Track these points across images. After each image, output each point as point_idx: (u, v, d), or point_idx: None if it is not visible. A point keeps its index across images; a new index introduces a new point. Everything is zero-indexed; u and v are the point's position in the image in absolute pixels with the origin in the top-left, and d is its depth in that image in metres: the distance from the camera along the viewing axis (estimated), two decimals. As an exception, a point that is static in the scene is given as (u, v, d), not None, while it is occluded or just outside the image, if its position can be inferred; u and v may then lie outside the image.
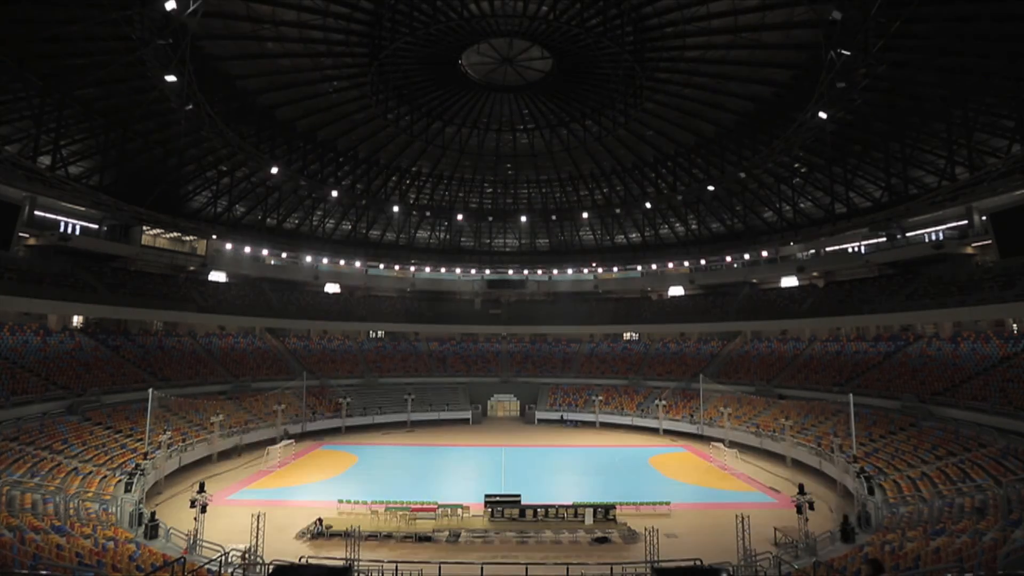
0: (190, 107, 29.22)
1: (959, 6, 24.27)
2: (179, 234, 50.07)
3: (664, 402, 45.96)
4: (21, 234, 36.46)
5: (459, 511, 24.78)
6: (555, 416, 50.72)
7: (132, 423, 30.74)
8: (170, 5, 21.03)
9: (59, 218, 39.63)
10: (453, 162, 52.22)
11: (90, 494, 21.74)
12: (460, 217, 58.38)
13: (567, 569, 15.77)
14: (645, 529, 20.54)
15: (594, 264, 63.35)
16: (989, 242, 35.82)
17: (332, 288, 60.64)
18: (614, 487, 29.74)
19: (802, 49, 29.85)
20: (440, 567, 16.24)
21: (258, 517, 19.04)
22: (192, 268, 50.92)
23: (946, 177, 34.01)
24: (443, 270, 65.01)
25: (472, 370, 57.42)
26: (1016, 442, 23.12)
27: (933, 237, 40.40)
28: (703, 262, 59.06)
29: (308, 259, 57.87)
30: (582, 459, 37.59)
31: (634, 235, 61.63)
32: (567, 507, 24.64)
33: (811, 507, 21.24)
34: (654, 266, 62.58)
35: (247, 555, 17.74)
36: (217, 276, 51.92)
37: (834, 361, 42.84)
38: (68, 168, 35.33)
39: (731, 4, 27.93)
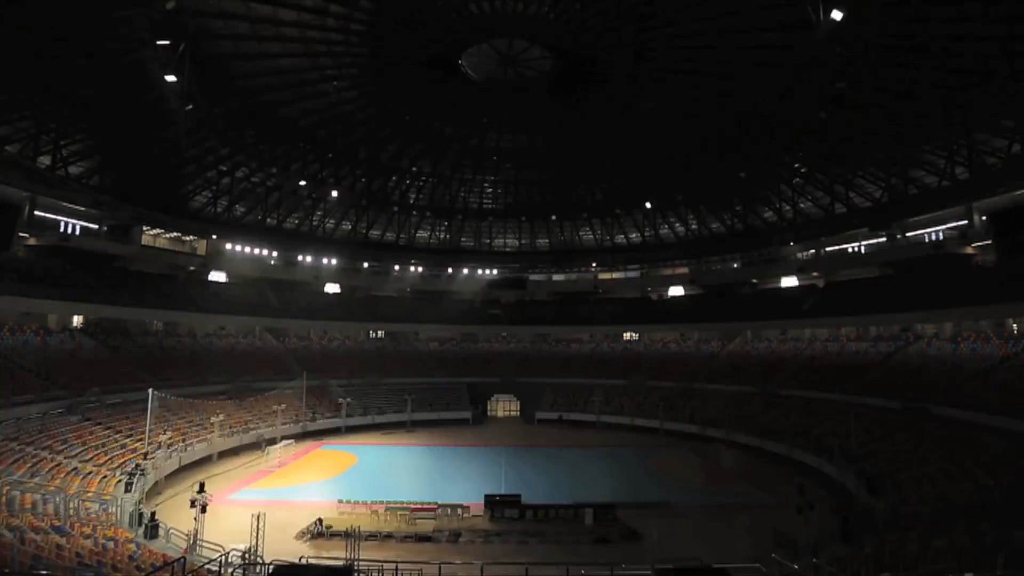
0: (190, 107, 29.24)
1: (959, 6, 24.27)
2: (179, 234, 50.12)
3: (664, 402, 45.95)
4: (21, 234, 36.48)
5: (459, 511, 24.76)
6: (555, 416, 50.70)
7: (132, 423, 30.71)
8: (170, 5, 21.03)
9: (59, 218, 39.64)
10: (453, 162, 52.24)
11: (90, 494, 21.72)
12: (460, 217, 58.40)
13: (567, 569, 15.74)
14: (645, 529, 20.55)
15: (594, 264, 63.33)
16: (989, 242, 35.80)
17: (332, 288, 60.63)
18: (614, 487, 29.73)
19: (802, 49, 29.80)
20: (440, 567, 16.22)
21: (258, 517, 19.02)
22: (192, 268, 50.90)
23: (946, 177, 34.04)
24: (447, 270, 65.03)
25: (472, 370, 57.37)
26: (1016, 442, 23.09)
27: (933, 237, 40.41)
28: (703, 262, 59.08)
29: (308, 259, 57.84)
30: (582, 459, 37.58)
31: (634, 235, 61.63)
32: (567, 507, 24.63)
33: (811, 507, 21.20)
34: (654, 266, 62.58)
35: (247, 555, 17.71)
36: (217, 276, 51.92)
37: (834, 361, 42.83)
38: (68, 168, 35.34)
39: (731, 3, 27.91)
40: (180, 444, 31.16)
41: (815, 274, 50.28)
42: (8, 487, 19.08)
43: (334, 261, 59.33)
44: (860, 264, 46.39)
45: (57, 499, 19.60)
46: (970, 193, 34.07)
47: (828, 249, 49.86)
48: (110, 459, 25.97)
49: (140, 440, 28.89)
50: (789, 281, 51.91)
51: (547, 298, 66.84)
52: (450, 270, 64.89)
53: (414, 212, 58.96)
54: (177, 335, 47.10)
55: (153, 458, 27.38)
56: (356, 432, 44.56)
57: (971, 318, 36.00)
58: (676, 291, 61.23)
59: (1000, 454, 22.64)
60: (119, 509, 21.29)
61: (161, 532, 20.70)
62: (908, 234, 42.50)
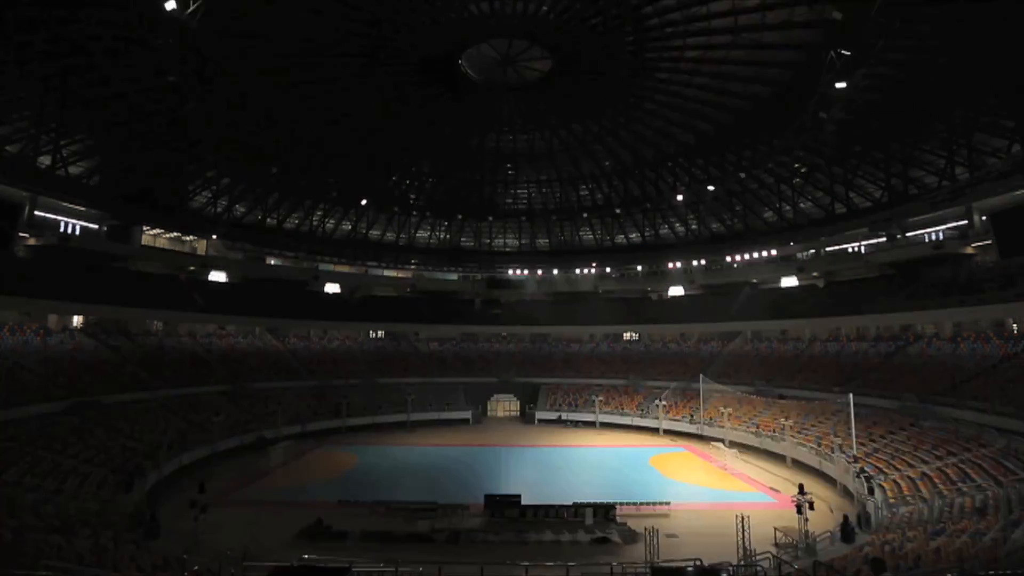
0: (190, 107, 29.25)
1: (959, 6, 24.28)
2: (179, 234, 50.13)
3: (664, 402, 45.94)
4: (21, 234, 36.46)
5: (459, 511, 24.76)
6: (555, 416, 50.71)
7: (132, 423, 30.71)
8: (170, 5, 21.04)
9: (59, 218, 39.64)
10: (453, 162, 52.23)
11: (90, 494, 21.71)
12: (460, 217, 58.39)
13: (567, 569, 15.74)
14: (645, 529, 20.55)
15: (594, 264, 63.39)
16: (989, 242, 35.79)
17: (332, 288, 60.64)
18: (614, 487, 29.71)
19: (802, 49, 29.84)
20: (440, 567, 16.22)
21: (258, 517, 19.02)
22: (192, 268, 50.89)
23: (946, 177, 34.03)
24: (449, 271, 64.99)
25: (472, 370, 57.39)
26: (1016, 442, 23.08)
27: (933, 237, 40.41)
28: (703, 262, 59.09)
29: (308, 259, 57.84)
30: (582, 459, 37.57)
31: (634, 235, 61.64)
32: (567, 507, 24.62)
33: (811, 507, 21.23)
34: (654, 266, 62.58)
35: (247, 555, 17.72)
36: (217, 276, 51.92)
37: (834, 361, 42.83)
38: (68, 168, 35.36)
39: (731, 4, 27.92)
40: (180, 444, 31.13)
41: (815, 274, 50.28)
42: (8, 487, 19.07)
43: (334, 261, 59.28)
44: (860, 264, 46.39)
45: (57, 499, 19.59)
46: (970, 193, 34.06)
47: (828, 249, 49.87)
48: (110, 459, 25.95)
49: (140, 440, 28.87)
50: (789, 281, 51.90)
51: (547, 298, 66.85)
52: (450, 270, 64.87)
53: (414, 212, 58.97)
54: (177, 335, 47.10)
55: (153, 458, 27.35)
56: (356, 432, 44.55)
57: (971, 318, 35.97)
58: (676, 291, 61.22)
59: (1000, 454, 22.65)
60: (119, 509, 21.28)
61: (161, 532, 20.69)
62: (908, 234, 42.51)
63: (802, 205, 47.27)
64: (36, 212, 37.46)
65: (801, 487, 22.04)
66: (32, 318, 36.38)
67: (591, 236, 63.69)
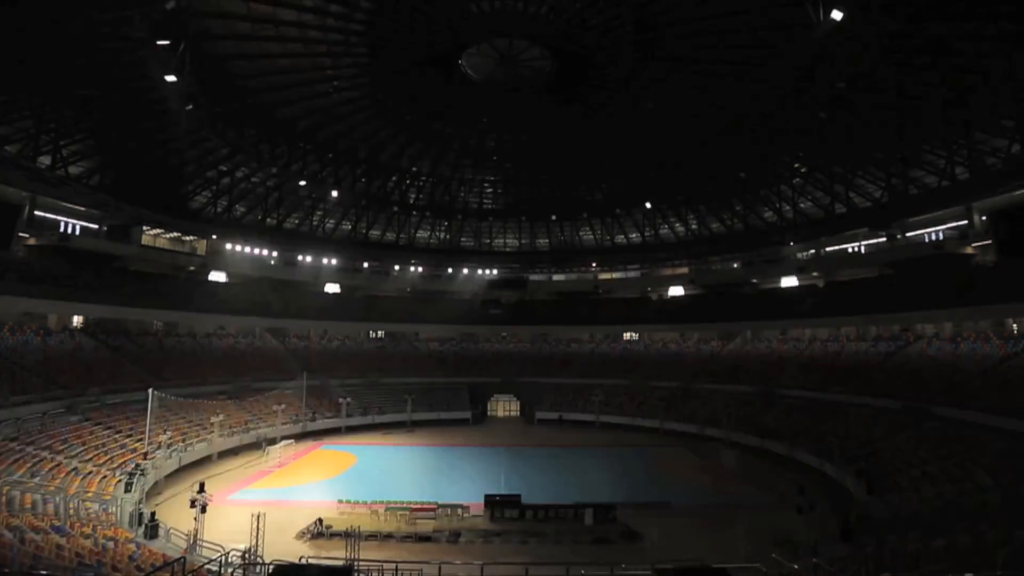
0: (190, 107, 29.23)
1: (959, 6, 24.26)
2: (179, 234, 50.11)
3: (664, 402, 45.92)
4: (21, 234, 36.44)
5: (459, 511, 24.77)
6: (555, 416, 50.69)
7: (132, 423, 30.71)
8: (170, 5, 21.03)
9: (59, 218, 39.61)
10: (453, 162, 52.23)
11: (90, 494, 21.72)
12: (460, 217, 58.38)
13: (567, 569, 15.73)
14: (645, 529, 20.55)
15: (594, 264, 63.30)
16: (989, 242, 35.79)
17: (332, 288, 60.62)
18: (614, 487, 29.73)
19: (802, 49, 29.78)
20: (440, 567, 16.23)
21: (258, 517, 19.02)
22: (192, 268, 50.87)
23: (946, 177, 34.01)
24: (447, 270, 65.02)
25: (472, 370, 57.33)
26: (1016, 442, 23.09)
27: (933, 237, 40.38)
28: (703, 262, 59.05)
29: (308, 259, 57.85)
30: (582, 459, 37.58)
31: (634, 235, 61.62)
32: (567, 507, 24.62)
33: (811, 507, 21.21)
34: (654, 266, 62.58)
35: (247, 555, 17.72)
36: (217, 276, 51.89)
37: (834, 361, 42.83)
38: (68, 168, 35.33)
39: (732, 4, 27.89)
40: (180, 444, 31.16)
41: (815, 274, 50.24)
42: (8, 487, 19.09)
43: (334, 261, 59.33)
44: (860, 264, 46.33)
45: (57, 499, 19.61)
46: (970, 193, 34.05)
47: (828, 249, 49.79)
48: (110, 459, 25.97)
49: (140, 440, 28.89)
50: (789, 281, 51.88)
51: (547, 298, 66.82)
52: (450, 270, 64.89)
53: (414, 212, 58.95)
54: (177, 335, 47.08)
55: (153, 458, 27.37)
56: (356, 432, 44.56)
57: (971, 318, 35.98)
58: (676, 291, 61.18)
59: (1000, 454, 22.64)
60: (119, 509, 21.31)
61: (161, 532, 20.71)
62: (908, 234, 42.44)
63: (802, 205, 47.26)
64: (36, 212, 37.46)
65: (801, 487, 22.03)
66: (32, 318, 36.37)
67: (591, 236, 63.68)
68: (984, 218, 35.87)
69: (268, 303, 53.68)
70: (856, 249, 47.27)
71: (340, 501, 25.83)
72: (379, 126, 43.52)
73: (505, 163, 52.17)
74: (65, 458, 24.21)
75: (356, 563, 16.48)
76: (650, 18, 30.35)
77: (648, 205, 54.64)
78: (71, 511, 19.17)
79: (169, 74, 25.68)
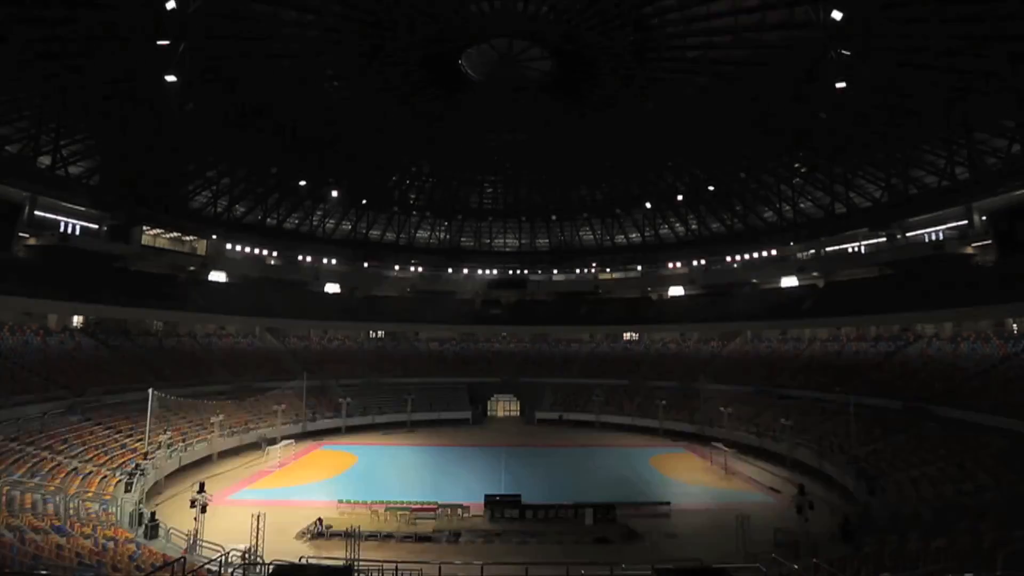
0: (190, 107, 29.22)
1: (959, 6, 24.25)
2: (179, 234, 50.10)
3: (664, 402, 45.92)
4: (21, 234, 36.43)
5: (459, 511, 24.78)
6: (555, 416, 50.68)
7: (132, 423, 30.70)
8: (170, 5, 21.03)
9: (59, 218, 39.61)
10: (453, 162, 52.22)
11: (90, 494, 21.73)
12: (460, 217, 58.39)
13: (567, 569, 15.74)
14: (645, 529, 20.55)
15: (594, 264, 63.30)
16: (989, 242, 35.79)
17: (332, 288, 60.62)
18: (614, 487, 29.71)
19: (802, 49, 29.79)
20: (440, 567, 16.22)
21: (258, 517, 19.04)
22: (192, 268, 50.88)
23: (946, 177, 34.01)
24: (447, 270, 65.04)
25: (472, 370, 57.33)
26: (1016, 442, 23.09)
27: (933, 237, 40.38)
28: (703, 262, 59.08)
29: (308, 259, 57.85)
30: (582, 459, 37.58)
31: (634, 235, 61.65)
32: (567, 507, 24.63)
33: (811, 507, 21.19)
34: (654, 266, 62.59)
35: (247, 555, 17.74)
36: (217, 276, 51.91)
37: (834, 361, 42.82)
38: (68, 168, 35.34)
39: (732, 4, 27.89)
40: (180, 444, 31.16)
41: (815, 274, 50.26)
42: (8, 487, 19.09)
43: (334, 261, 59.34)
44: (860, 264, 46.36)
45: (57, 499, 19.61)
46: (970, 193, 34.04)
47: (828, 249, 49.82)
48: (110, 459, 25.98)
49: (140, 440, 28.88)
50: (789, 281, 51.88)
51: (547, 298, 66.82)
52: (450, 270, 64.93)
53: (414, 212, 58.98)
54: (177, 335, 47.08)
55: (153, 458, 27.37)
56: (356, 432, 44.55)
57: (971, 318, 35.94)
58: (676, 291, 61.21)
59: (1000, 454, 22.64)
60: (119, 509, 21.32)
61: (161, 532, 20.72)
62: (908, 234, 42.46)
63: (802, 205, 47.26)
64: (36, 212, 37.44)
65: (801, 487, 22.02)
66: (32, 318, 36.36)
67: (591, 236, 63.69)
68: (984, 218, 35.85)
69: (268, 303, 53.67)
70: (856, 249, 47.29)
71: (340, 501, 25.84)
72: (379, 126, 43.47)
73: (505, 163, 52.14)
74: (65, 458, 24.22)
75: (356, 563, 16.49)
76: (650, 18, 30.35)
77: (648, 205, 54.63)
78: (71, 511, 19.18)
79: (168, 74, 25.64)
